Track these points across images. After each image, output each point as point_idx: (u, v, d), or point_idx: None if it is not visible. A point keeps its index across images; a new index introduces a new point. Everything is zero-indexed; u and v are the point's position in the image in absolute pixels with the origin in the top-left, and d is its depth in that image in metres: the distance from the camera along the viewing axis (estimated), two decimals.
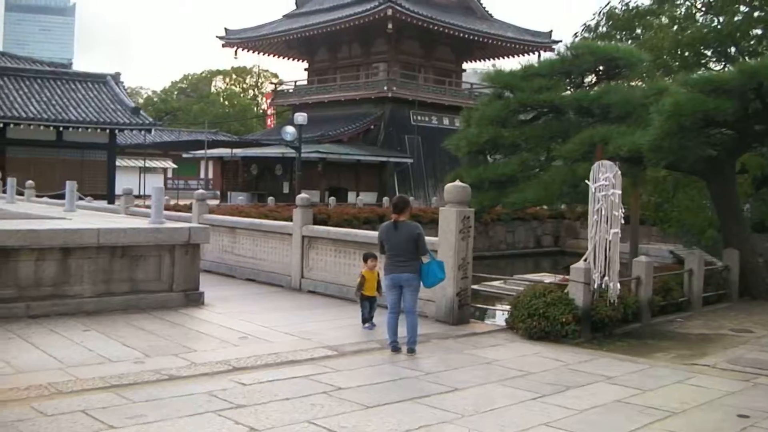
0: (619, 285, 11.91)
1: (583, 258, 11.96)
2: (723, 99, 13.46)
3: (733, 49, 26.33)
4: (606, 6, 28.69)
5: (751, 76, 13.39)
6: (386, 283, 10.01)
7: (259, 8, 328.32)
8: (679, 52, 26.17)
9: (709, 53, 26.97)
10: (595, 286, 11.74)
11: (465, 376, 8.79)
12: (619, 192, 11.86)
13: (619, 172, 12.03)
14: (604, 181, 11.86)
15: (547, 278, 18.76)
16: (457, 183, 11.99)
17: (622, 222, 12.01)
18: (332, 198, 40.09)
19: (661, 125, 13.52)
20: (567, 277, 12.19)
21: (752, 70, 13.51)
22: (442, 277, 10.09)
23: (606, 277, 11.74)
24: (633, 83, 20.51)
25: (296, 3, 61.56)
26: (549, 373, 9.18)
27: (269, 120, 70.40)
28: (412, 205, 10.59)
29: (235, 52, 60.80)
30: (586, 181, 12.27)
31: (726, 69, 23.39)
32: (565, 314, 11.19)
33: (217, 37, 59.66)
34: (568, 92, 17.91)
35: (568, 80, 18.11)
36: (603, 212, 11.83)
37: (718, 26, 26.13)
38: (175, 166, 65.00)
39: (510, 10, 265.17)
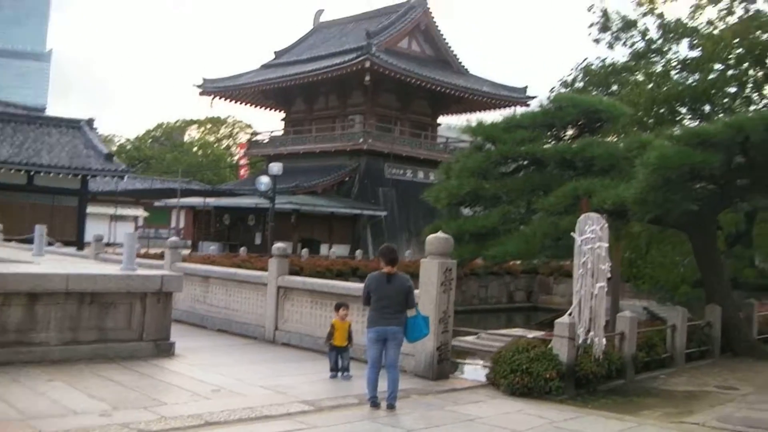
0: (604, 340, 11.63)
1: (568, 312, 11.68)
2: (710, 152, 13.40)
3: (707, 107, 26.56)
4: (583, 62, 29.01)
5: (738, 129, 13.37)
6: (370, 336, 9.54)
7: (236, 58, 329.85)
8: (654, 109, 26.34)
9: (683, 110, 27.21)
10: (580, 341, 11.46)
11: None
12: (606, 245, 11.65)
13: (606, 225, 11.84)
14: (591, 233, 11.66)
15: (520, 334, 18.45)
16: (440, 234, 11.70)
17: (608, 276, 11.78)
18: (305, 249, 39.69)
19: (646, 178, 13.40)
20: (551, 332, 11.89)
21: (739, 124, 13.51)
22: (426, 332, 9.86)
23: (591, 332, 11.46)
24: (610, 138, 20.51)
25: (275, 53, 61.77)
26: None
27: (242, 170, 70.10)
28: None
29: (212, 100, 60.67)
30: (572, 233, 12.05)
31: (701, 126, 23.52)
32: (549, 370, 10.92)
33: (194, 85, 59.52)
34: (549, 145, 17.80)
35: (549, 133, 18.02)
36: (589, 265, 11.59)
37: (693, 84, 26.40)
38: (146, 214, 64.36)
39: (484, 66, 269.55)
